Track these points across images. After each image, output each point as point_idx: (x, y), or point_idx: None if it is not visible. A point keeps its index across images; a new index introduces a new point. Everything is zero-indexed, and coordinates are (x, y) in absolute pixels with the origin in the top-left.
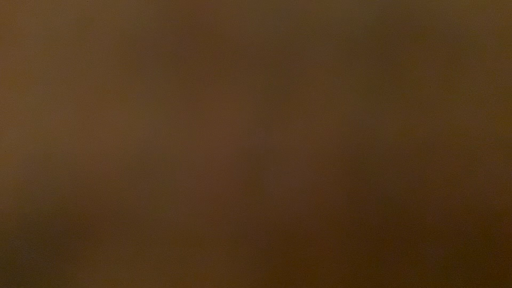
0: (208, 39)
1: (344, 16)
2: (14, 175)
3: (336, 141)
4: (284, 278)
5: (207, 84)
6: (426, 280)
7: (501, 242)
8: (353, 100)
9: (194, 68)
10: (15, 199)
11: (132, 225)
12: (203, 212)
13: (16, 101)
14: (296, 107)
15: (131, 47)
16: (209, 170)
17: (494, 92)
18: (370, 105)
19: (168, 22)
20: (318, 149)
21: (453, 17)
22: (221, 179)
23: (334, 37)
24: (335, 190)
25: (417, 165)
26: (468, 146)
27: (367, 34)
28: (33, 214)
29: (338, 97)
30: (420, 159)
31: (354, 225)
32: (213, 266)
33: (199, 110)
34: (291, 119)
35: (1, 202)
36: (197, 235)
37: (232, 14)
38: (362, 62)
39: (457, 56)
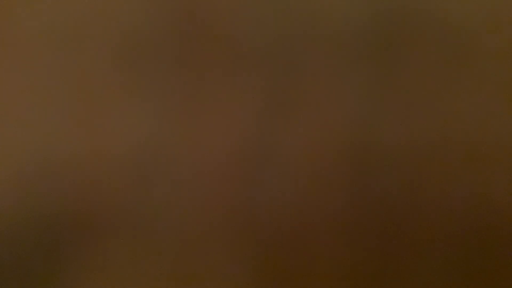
0: (209, 39)
1: (345, 17)
2: (14, 176)
3: (337, 141)
4: (285, 276)
5: (208, 84)
6: (426, 280)
7: (501, 242)
8: (354, 99)
9: (195, 68)
10: (15, 199)
11: (133, 224)
12: (204, 211)
13: (16, 102)
14: (297, 106)
15: (131, 47)
16: (210, 170)
17: (494, 92)
18: (371, 104)
19: (169, 22)
20: (319, 148)
21: (453, 17)
22: (222, 179)
23: (335, 37)
24: (336, 189)
25: (417, 164)
26: (468, 146)
27: (368, 34)
28: (33, 214)
29: (339, 97)
30: (421, 158)
31: (354, 223)
32: (214, 264)
33: (200, 110)
34: (292, 118)
35: (1, 202)
36: (198, 234)
37: (233, 14)
38: (363, 62)
39: (457, 56)
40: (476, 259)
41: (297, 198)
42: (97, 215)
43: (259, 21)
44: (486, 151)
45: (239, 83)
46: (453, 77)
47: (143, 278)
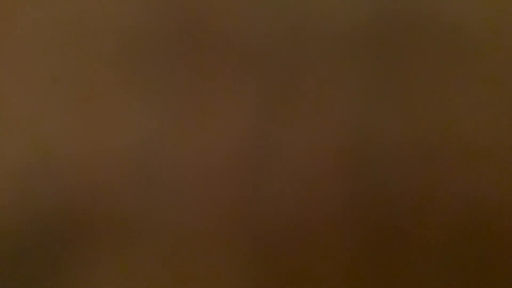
0: (209, 39)
1: (345, 16)
2: (14, 174)
3: (337, 141)
4: (286, 277)
5: (208, 84)
6: (426, 279)
7: (501, 242)
8: (354, 100)
9: (194, 68)
10: (15, 200)
11: (133, 224)
12: (204, 212)
13: (16, 102)
14: (297, 107)
15: (132, 47)
16: (210, 170)
17: (494, 92)
18: (371, 104)
19: (169, 22)
20: (319, 148)
21: (453, 17)
22: (222, 178)
23: (335, 37)
24: (336, 189)
25: (418, 164)
26: (468, 146)
27: (368, 34)
28: (33, 213)
29: (339, 97)
30: (421, 158)
31: (354, 223)
32: (214, 264)
33: (200, 111)
34: (292, 119)
35: (1, 202)
36: (198, 234)
37: (233, 13)
38: (363, 62)
39: (457, 56)
40: (476, 259)
41: (297, 199)
42: (98, 214)
43: (260, 22)
44: (486, 151)
45: (240, 82)
46: (454, 77)
47: (143, 278)
